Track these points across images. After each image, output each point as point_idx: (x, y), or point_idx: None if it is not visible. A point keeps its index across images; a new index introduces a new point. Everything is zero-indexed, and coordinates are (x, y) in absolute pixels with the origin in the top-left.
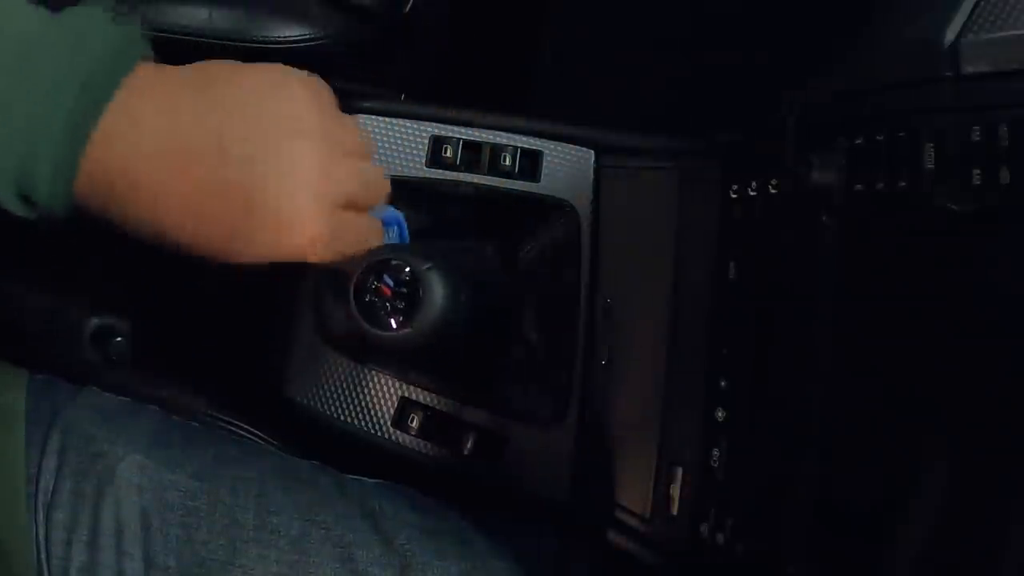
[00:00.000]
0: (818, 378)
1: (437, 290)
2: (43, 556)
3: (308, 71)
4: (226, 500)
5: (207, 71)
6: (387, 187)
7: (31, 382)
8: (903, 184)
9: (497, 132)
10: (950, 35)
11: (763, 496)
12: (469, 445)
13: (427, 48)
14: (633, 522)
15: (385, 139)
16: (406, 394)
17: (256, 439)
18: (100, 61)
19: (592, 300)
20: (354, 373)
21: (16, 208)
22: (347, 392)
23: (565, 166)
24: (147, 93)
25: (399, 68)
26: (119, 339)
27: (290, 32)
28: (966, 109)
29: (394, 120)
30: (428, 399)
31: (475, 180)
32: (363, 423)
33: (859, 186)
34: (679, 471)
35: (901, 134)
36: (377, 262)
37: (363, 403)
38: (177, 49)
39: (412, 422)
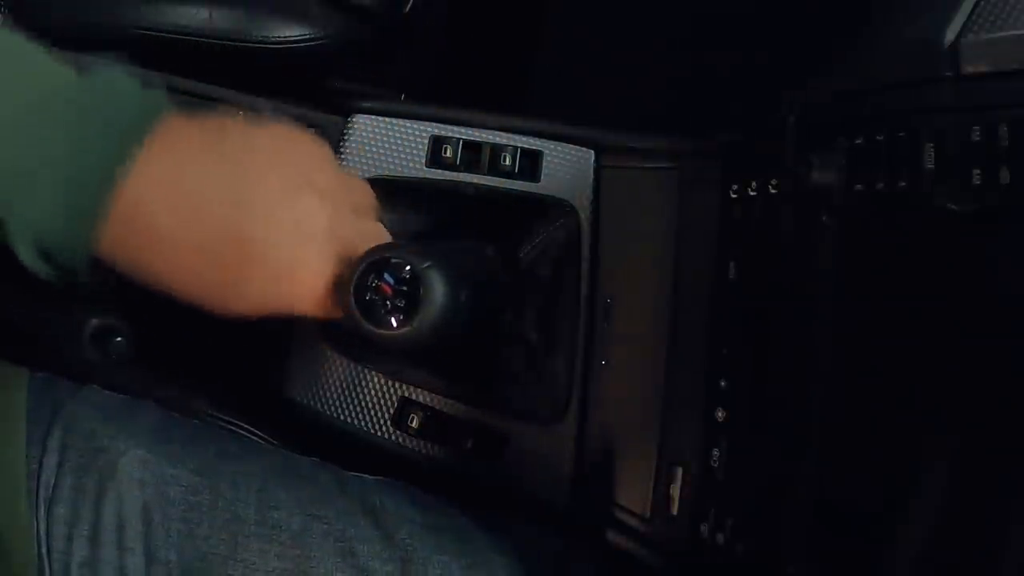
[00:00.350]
0: (818, 378)
1: (437, 289)
2: (44, 551)
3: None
4: (227, 495)
5: (223, 127)
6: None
7: (32, 380)
8: (903, 184)
9: (497, 132)
10: (950, 35)
11: (763, 496)
12: (469, 445)
13: (427, 48)
14: (633, 522)
15: (385, 139)
16: (406, 394)
17: (256, 438)
18: (132, 118)
19: (592, 300)
20: (354, 373)
21: (33, 263)
22: (347, 392)
23: (565, 166)
24: (168, 149)
25: (399, 68)
26: (119, 339)
27: (290, 32)
28: (966, 109)
29: (394, 120)
30: (428, 399)
31: (475, 180)
32: (363, 423)
33: (859, 186)
34: (679, 471)
35: (901, 134)
36: (377, 260)
37: (363, 403)
38: (177, 49)
39: (412, 422)
